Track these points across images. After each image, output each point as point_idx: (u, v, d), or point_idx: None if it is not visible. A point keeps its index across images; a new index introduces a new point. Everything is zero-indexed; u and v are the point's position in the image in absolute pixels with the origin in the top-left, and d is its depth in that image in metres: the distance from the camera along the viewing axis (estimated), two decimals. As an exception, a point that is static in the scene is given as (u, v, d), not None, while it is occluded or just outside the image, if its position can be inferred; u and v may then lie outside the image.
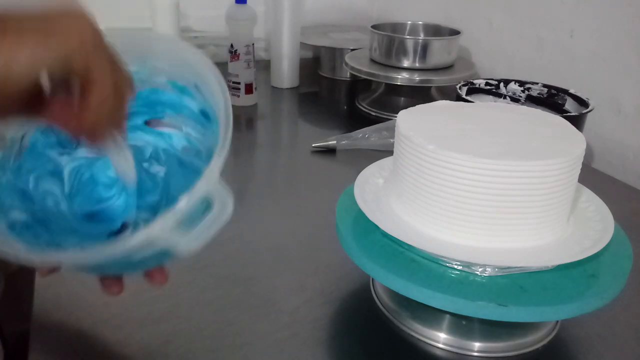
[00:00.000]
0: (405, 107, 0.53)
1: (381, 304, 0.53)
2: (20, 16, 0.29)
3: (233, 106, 0.35)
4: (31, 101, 0.30)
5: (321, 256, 0.60)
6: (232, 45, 1.03)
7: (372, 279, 0.56)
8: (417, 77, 1.01)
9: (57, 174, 0.41)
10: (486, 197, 0.43)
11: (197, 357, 0.46)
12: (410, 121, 0.49)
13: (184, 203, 0.29)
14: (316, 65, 1.33)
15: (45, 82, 0.30)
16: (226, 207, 0.31)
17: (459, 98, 0.84)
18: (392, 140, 0.82)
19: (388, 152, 0.56)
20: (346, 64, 1.10)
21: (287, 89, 1.18)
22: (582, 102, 0.82)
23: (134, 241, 0.29)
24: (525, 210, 0.44)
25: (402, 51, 1.03)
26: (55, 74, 0.29)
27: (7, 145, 0.37)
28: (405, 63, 1.03)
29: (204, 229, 0.30)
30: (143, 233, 0.29)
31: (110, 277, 0.37)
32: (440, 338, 0.48)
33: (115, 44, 0.32)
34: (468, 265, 0.43)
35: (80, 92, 0.30)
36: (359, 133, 0.89)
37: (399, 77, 1.01)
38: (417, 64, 1.03)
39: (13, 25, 0.28)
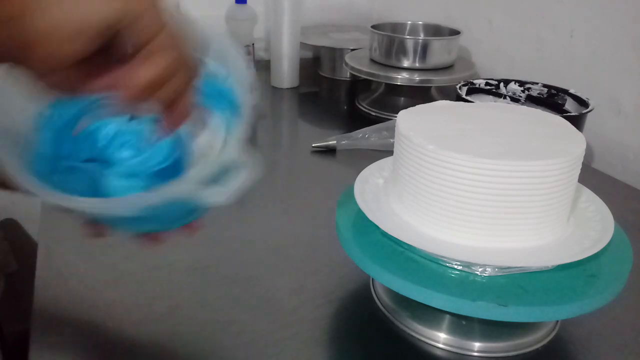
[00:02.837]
0: (405, 107, 0.53)
1: (381, 304, 0.53)
2: None
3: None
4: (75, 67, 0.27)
5: (321, 256, 0.60)
6: (232, 45, 1.03)
7: (372, 279, 0.56)
8: (417, 77, 1.01)
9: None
10: (486, 197, 0.43)
11: (197, 357, 0.46)
12: (410, 121, 0.49)
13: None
14: (316, 65, 1.33)
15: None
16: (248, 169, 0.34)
17: (459, 98, 0.84)
18: (392, 140, 0.82)
19: (388, 152, 0.56)
20: (346, 64, 1.10)
21: (287, 89, 1.18)
22: (582, 102, 0.82)
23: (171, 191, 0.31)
24: (525, 210, 0.44)
25: (402, 51, 1.03)
26: (113, 29, 0.25)
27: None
28: (405, 63, 1.03)
29: (229, 185, 0.33)
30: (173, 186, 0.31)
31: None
32: (440, 338, 0.48)
33: None
34: (468, 265, 0.43)
35: (140, 59, 0.27)
36: (359, 133, 0.89)
37: (399, 77, 1.01)
38: (417, 64, 1.03)
39: None
